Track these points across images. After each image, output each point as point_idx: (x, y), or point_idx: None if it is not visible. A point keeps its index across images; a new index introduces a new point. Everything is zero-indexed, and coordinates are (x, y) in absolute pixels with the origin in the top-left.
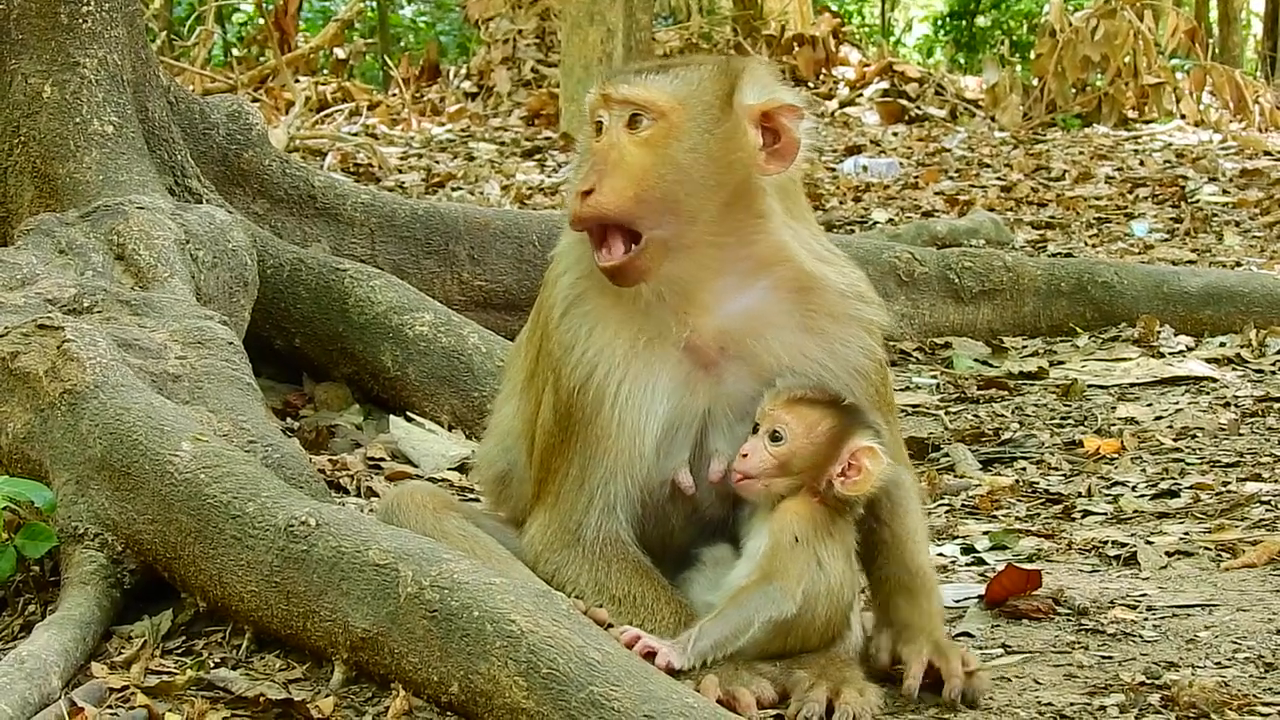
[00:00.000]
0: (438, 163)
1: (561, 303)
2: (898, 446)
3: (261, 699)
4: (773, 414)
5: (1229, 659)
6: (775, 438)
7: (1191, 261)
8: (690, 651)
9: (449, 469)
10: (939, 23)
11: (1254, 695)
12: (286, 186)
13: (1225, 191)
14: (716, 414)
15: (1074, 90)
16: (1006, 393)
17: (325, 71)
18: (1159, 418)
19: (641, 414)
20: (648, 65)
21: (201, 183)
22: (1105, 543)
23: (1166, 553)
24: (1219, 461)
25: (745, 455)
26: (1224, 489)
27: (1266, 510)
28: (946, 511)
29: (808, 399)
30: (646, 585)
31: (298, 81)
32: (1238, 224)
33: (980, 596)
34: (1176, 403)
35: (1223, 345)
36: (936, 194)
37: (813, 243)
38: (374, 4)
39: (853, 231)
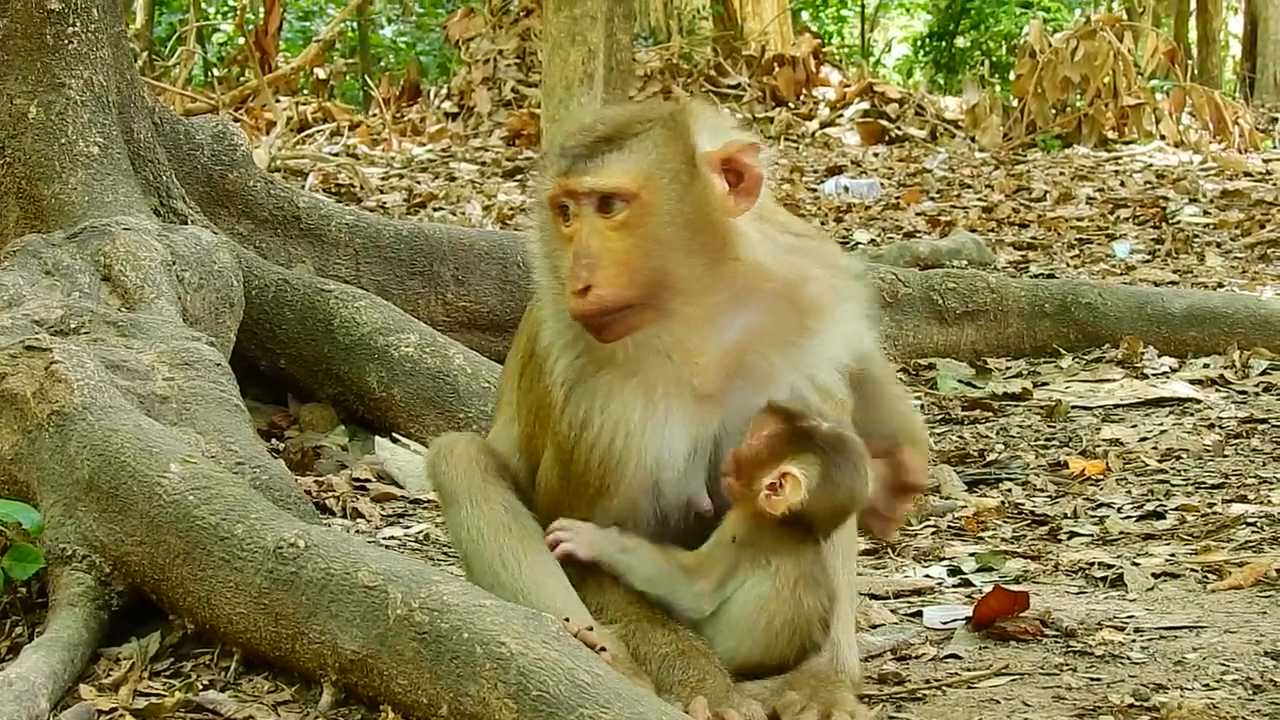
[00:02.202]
0: (419, 183)
1: (564, 385)
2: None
3: None
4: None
5: (1217, 681)
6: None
7: (1173, 282)
8: (613, 555)
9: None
10: (918, 43)
11: (1243, 717)
12: (271, 207)
13: (1206, 212)
14: (728, 433)
15: (1054, 111)
16: (991, 414)
17: (306, 92)
18: (1144, 439)
19: (662, 464)
20: (597, 140)
21: (187, 203)
22: (1092, 564)
23: (1153, 574)
24: (1204, 483)
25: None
26: (1210, 510)
27: (1252, 532)
28: (933, 533)
29: (777, 409)
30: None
31: (278, 102)
32: (1219, 245)
33: (968, 618)
34: (1161, 424)
35: (1206, 366)
36: (918, 215)
37: (782, 239)
38: (354, 24)
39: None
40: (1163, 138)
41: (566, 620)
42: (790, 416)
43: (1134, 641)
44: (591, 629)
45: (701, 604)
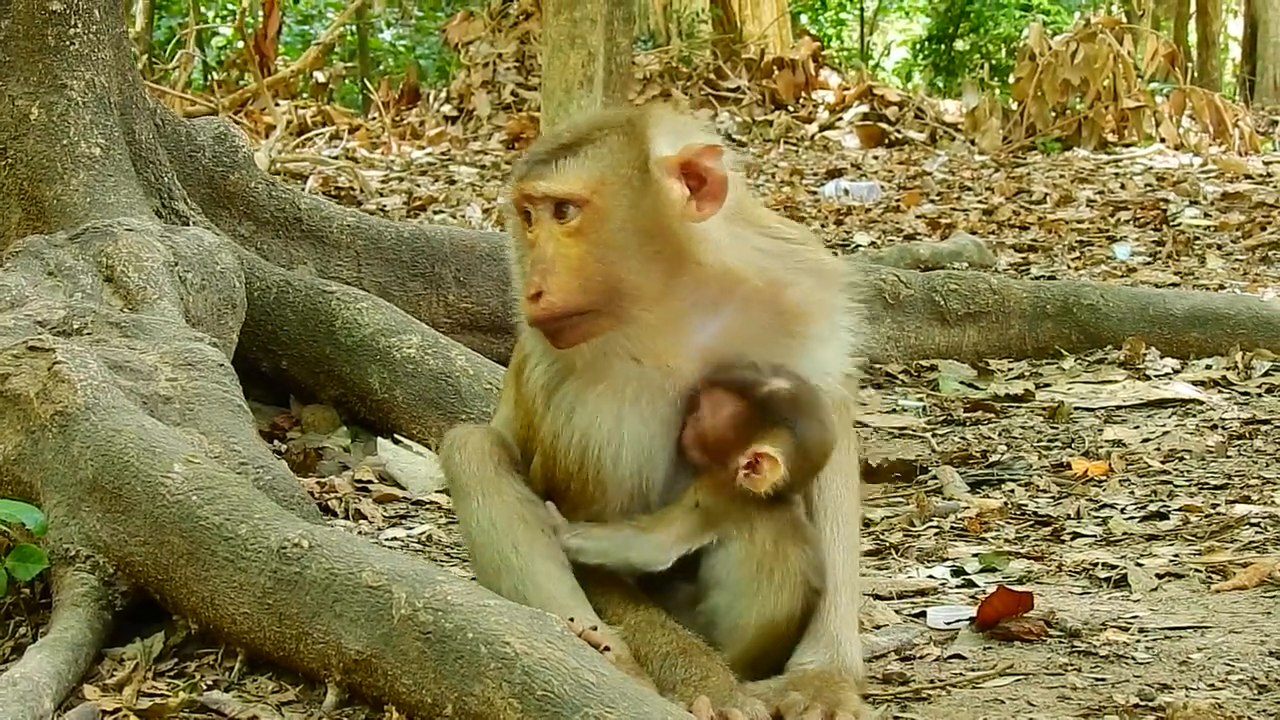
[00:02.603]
0: (418, 186)
1: (541, 391)
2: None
3: None
4: (699, 391)
5: (1222, 681)
6: (692, 411)
7: (1175, 284)
8: (567, 543)
9: (436, 491)
10: (918, 46)
11: (1248, 717)
12: (272, 209)
13: (1207, 214)
14: None
15: (1054, 114)
16: (993, 415)
17: (305, 95)
18: (1146, 440)
19: (644, 468)
20: (558, 147)
21: (188, 204)
22: (1095, 565)
23: (1157, 575)
24: (1207, 484)
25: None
26: (1213, 511)
27: (1256, 532)
28: (936, 533)
29: (724, 383)
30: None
31: (278, 105)
32: (1220, 247)
33: (972, 618)
34: (1164, 425)
35: (1209, 368)
36: (918, 217)
37: (760, 241)
38: (354, 28)
39: (835, 255)
40: (1163, 140)
41: (571, 619)
42: (743, 388)
43: (1139, 642)
44: (596, 628)
45: (663, 554)
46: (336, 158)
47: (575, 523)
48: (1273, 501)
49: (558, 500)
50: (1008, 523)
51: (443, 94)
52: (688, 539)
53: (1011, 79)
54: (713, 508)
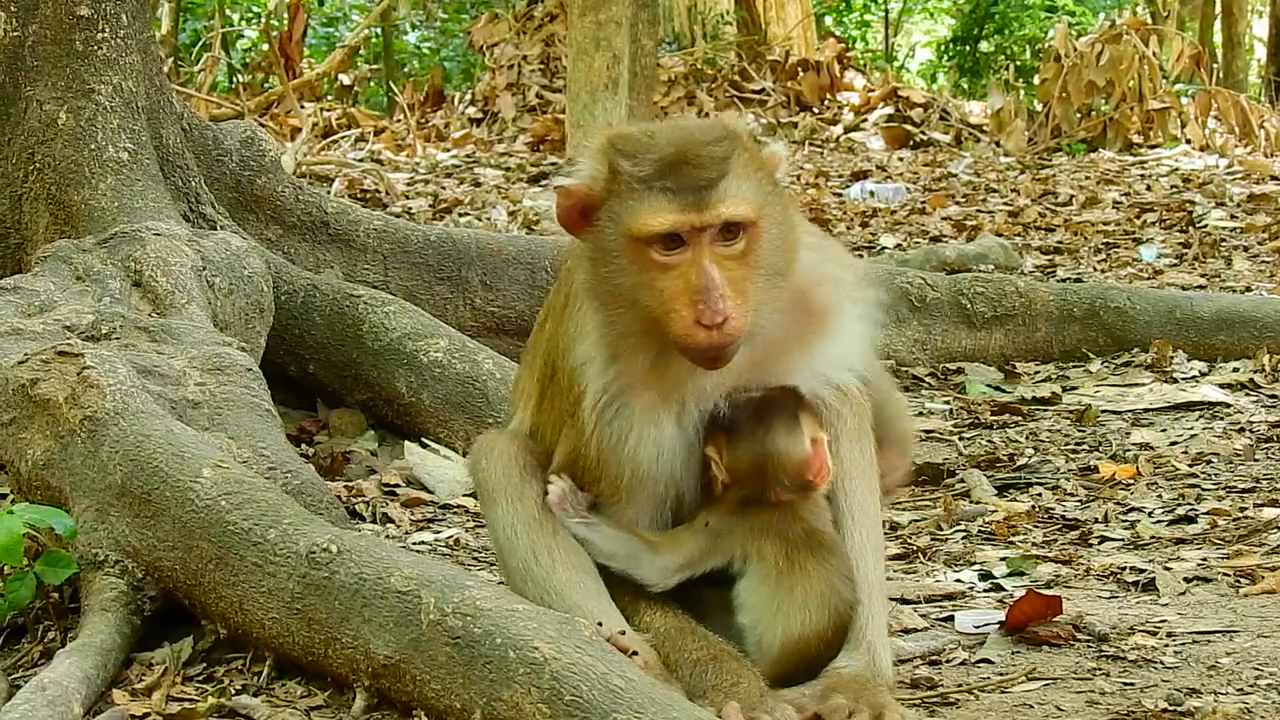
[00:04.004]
0: (444, 188)
1: (596, 408)
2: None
3: None
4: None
5: (1251, 685)
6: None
7: (1201, 286)
8: (575, 528)
9: (464, 494)
10: (942, 48)
11: None
12: (299, 212)
13: (1233, 216)
14: None
15: (1079, 115)
16: (1020, 418)
17: (330, 98)
18: (1174, 443)
19: (685, 478)
20: (705, 169)
21: (215, 209)
22: (1123, 569)
23: (1185, 579)
24: (1235, 487)
25: None
26: (1241, 514)
27: None
28: (963, 537)
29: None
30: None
31: (303, 108)
32: (1246, 249)
33: (1000, 623)
34: (1191, 428)
35: (1236, 370)
36: (944, 219)
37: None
38: (379, 30)
39: (861, 257)
40: (1188, 142)
41: (599, 624)
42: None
43: (1167, 646)
44: (624, 633)
45: (665, 578)
46: (362, 160)
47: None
48: None
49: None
50: (1035, 526)
51: (467, 96)
52: (693, 563)
53: (1036, 80)
54: (721, 530)
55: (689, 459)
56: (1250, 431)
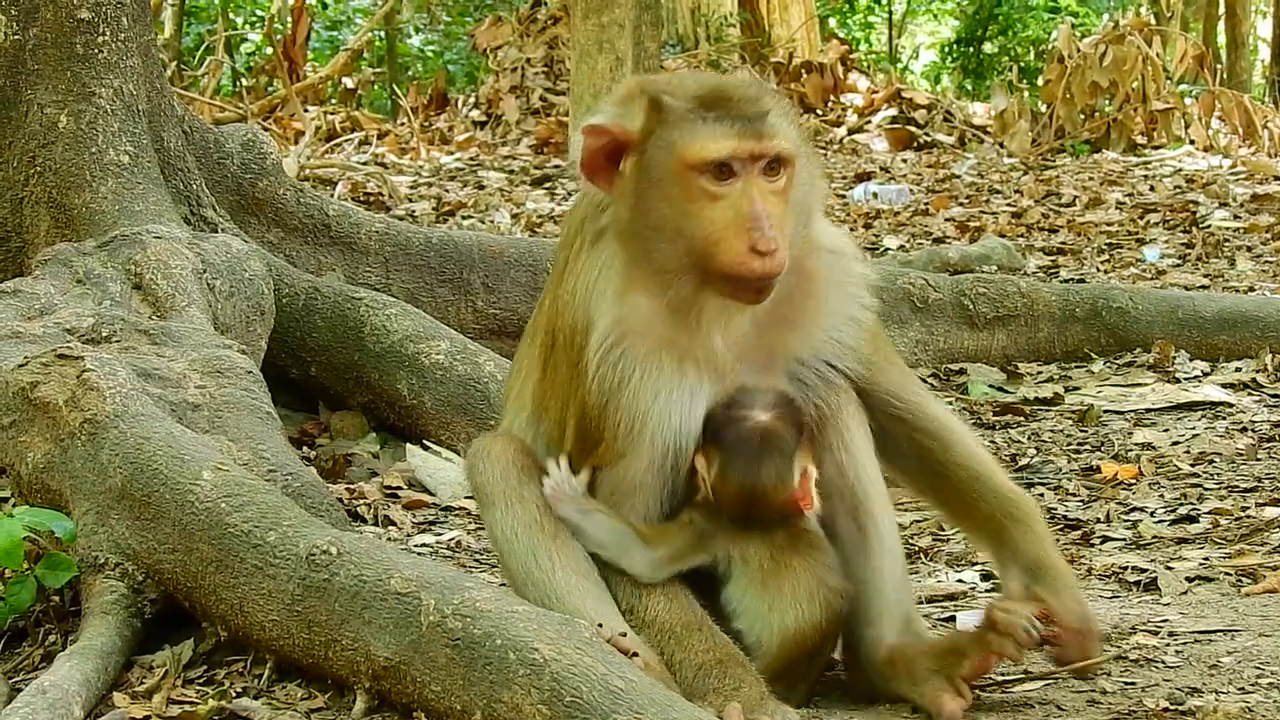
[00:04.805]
0: (447, 191)
1: (601, 349)
2: (909, 379)
3: None
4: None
5: (1252, 684)
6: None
7: (1204, 286)
8: (567, 513)
9: (465, 497)
10: (946, 49)
11: None
12: (301, 215)
13: (1236, 216)
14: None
15: (1083, 116)
16: (1023, 419)
17: (334, 101)
18: (1176, 443)
19: (681, 434)
20: (761, 105)
21: (216, 212)
22: (1125, 568)
23: (1187, 578)
24: (1237, 486)
25: None
26: (1243, 514)
27: None
28: (965, 538)
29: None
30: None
31: (307, 111)
32: (1249, 249)
33: None
34: (1193, 428)
35: (1238, 370)
36: (947, 220)
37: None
38: (382, 34)
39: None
40: (1192, 142)
41: (599, 625)
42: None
43: (1168, 646)
44: (625, 635)
45: (655, 571)
46: (365, 163)
47: (588, 494)
48: None
49: (581, 456)
50: None
51: (471, 99)
52: (681, 557)
53: (1040, 81)
54: (706, 529)
55: (689, 415)
56: (1252, 431)
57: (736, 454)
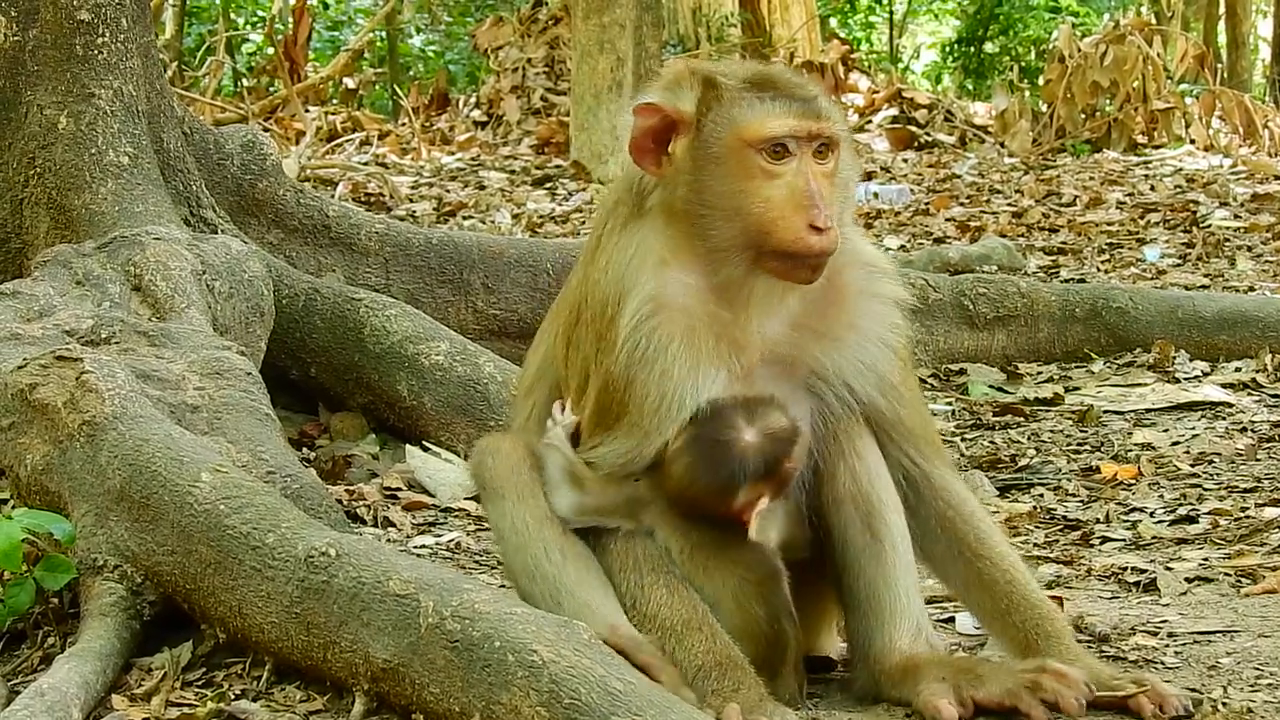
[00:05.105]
0: (448, 191)
1: (639, 306)
2: (930, 426)
3: None
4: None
5: (1252, 685)
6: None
7: (1204, 286)
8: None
9: (465, 498)
10: (947, 49)
11: None
12: (301, 216)
13: (1237, 216)
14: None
15: (1083, 116)
16: (1022, 419)
17: (335, 101)
18: (1176, 443)
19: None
20: (810, 87)
21: (216, 213)
22: (1125, 569)
23: (1186, 579)
24: (1237, 487)
25: None
26: (1242, 514)
27: None
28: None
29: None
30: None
31: (308, 111)
32: (1249, 249)
33: None
34: (1193, 428)
35: (1238, 370)
36: (948, 220)
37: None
38: (383, 34)
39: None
40: (1192, 142)
41: (613, 625)
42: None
43: (1167, 646)
44: (638, 642)
45: (574, 515)
46: (366, 164)
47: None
48: None
49: (599, 429)
50: (1037, 527)
51: (472, 99)
52: (603, 514)
53: (1041, 81)
54: (643, 497)
55: (717, 393)
56: (1252, 431)
57: (703, 449)
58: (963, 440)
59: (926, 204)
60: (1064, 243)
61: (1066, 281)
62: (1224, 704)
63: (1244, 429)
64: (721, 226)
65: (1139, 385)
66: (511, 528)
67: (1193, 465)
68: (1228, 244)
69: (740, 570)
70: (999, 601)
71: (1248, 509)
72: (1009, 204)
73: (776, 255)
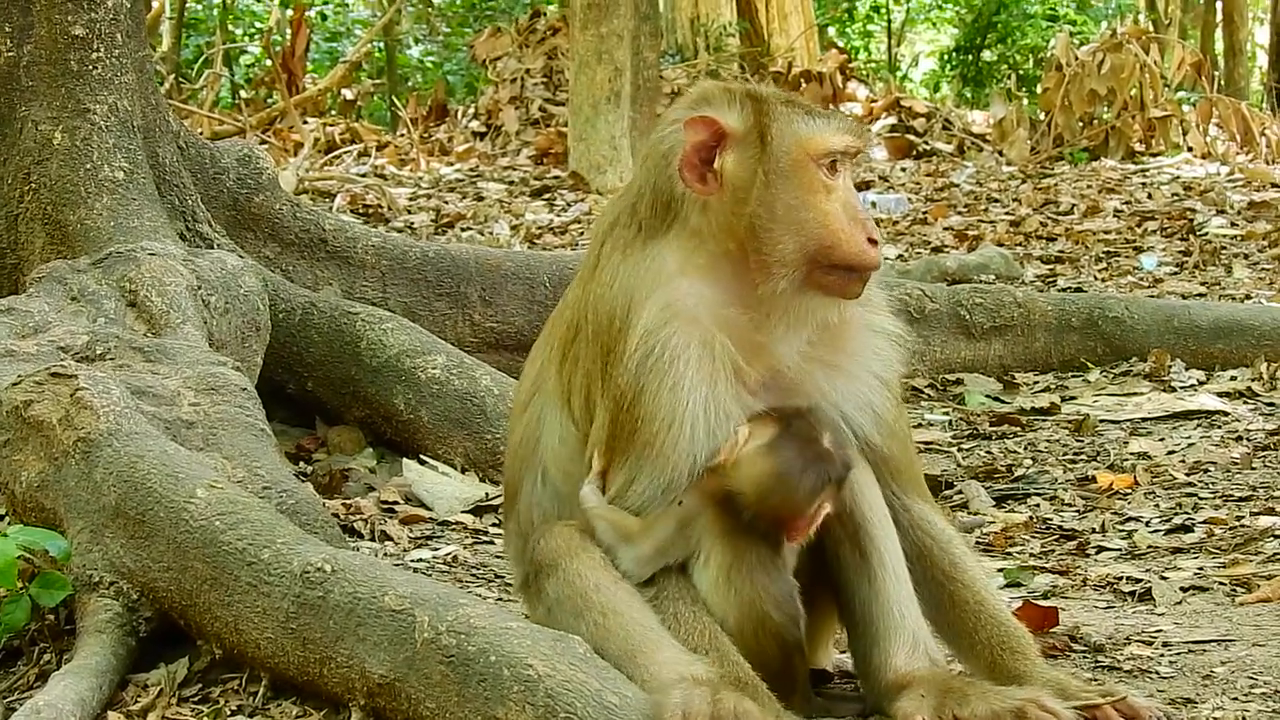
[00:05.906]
0: (446, 203)
1: (644, 335)
2: (918, 470)
3: None
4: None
5: (1246, 694)
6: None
7: (1201, 294)
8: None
9: (463, 511)
10: (945, 58)
11: None
12: (297, 230)
13: (1233, 224)
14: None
15: (1081, 124)
16: (1019, 429)
17: (333, 113)
18: (1171, 452)
19: (711, 438)
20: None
21: (212, 227)
22: (1120, 578)
23: (1181, 588)
24: (1232, 496)
25: None
26: (1238, 523)
27: None
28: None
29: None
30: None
31: (306, 123)
32: (1246, 256)
33: None
34: (1189, 437)
35: (1234, 379)
36: (945, 229)
37: None
38: (381, 45)
39: None
40: (1190, 149)
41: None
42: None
43: (1162, 655)
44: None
45: (640, 568)
46: (364, 175)
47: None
48: None
49: (612, 454)
50: (1033, 537)
51: (470, 110)
52: (665, 552)
53: (1039, 89)
54: (690, 514)
55: (728, 423)
56: (1248, 440)
57: (791, 454)
58: (959, 450)
59: (924, 213)
60: (1061, 251)
61: (1063, 291)
62: (1218, 713)
63: (1239, 438)
64: (784, 241)
65: (1135, 394)
66: (585, 585)
67: (1188, 474)
68: (1224, 252)
69: (770, 605)
70: (968, 620)
71: (1243, 518)
72: (1007, 213)
73: (838, 269)
